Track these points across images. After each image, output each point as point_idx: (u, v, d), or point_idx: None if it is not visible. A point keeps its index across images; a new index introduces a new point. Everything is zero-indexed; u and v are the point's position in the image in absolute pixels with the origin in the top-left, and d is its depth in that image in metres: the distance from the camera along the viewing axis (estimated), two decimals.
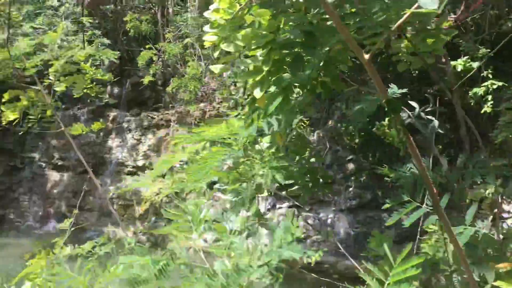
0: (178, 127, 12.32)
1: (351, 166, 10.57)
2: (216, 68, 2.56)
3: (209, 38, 2.75)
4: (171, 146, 12.16)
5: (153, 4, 12.80)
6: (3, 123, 5.12)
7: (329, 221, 10.52)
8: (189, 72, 12.02)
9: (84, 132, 4.95)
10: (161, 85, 13.02)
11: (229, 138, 2.26)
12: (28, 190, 13.16)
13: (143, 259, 1.33)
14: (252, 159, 2.23)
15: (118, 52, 4.54)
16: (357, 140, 9.93)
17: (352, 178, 10.34)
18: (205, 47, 12.45)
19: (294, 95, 2.49)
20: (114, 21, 12.65)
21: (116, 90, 12.82)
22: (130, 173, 12.42)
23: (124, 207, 12.07)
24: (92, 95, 5.09)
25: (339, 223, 10.62)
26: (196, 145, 2.62)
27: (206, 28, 2.75)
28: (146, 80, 12.14)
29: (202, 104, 12.36)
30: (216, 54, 2.62)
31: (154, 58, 12.36)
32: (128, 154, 12.51)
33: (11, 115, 5.10)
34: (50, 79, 4.37)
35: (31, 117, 5.03)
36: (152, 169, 12.30)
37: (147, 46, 12.28)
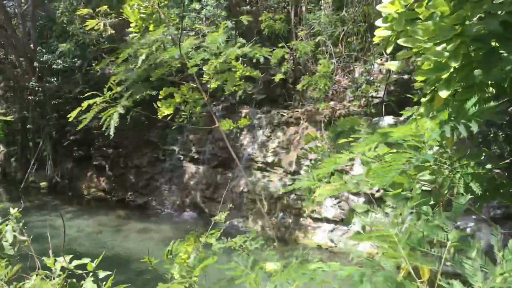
0: (307, 125, 12.28)
1: None
2: (393, 64, 2.38)
3: (381, 33, 2.58)
4: (300, 143, 12.18)
5: (287, 3, 12.92)
6: (160, 117, 5.53)
7: (468, 230, 9.63)
8: (320, 70, 11.88)
9: (231, 128, 5.13)
10: (292, 83, 13.09)
11: (413, 140, 2.08)
12: (168, 180, 14.28)
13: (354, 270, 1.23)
14: (440, 164, 2.03)
15: (271, 50, 4.58)
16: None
17: None
18: (337, 44, 12.24)
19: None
20: (249, 21, 13.04)
21: (249, 87, 13.23)
22: (260, 169, 12.71)
23: (252, 201, 12.41)
24: (240, 92, 5.24)
25: (481, 233, 9.67)
26: (366, 146, 2.49)
27: (378, 22, 2.59)
28: (278, 78, 12.29)
29: (332, 103, 12.15)
30: (388, 50, 2.46)
31: (286, 56, 12.45)
32: (258, 150, 12.80)
33: (166, 111, 5.50)
34: (205, 77, 4.57)
35: (182, 113, 5.36)
36: (281, 166, 12.45)
37: (279, 45, 12.42)
